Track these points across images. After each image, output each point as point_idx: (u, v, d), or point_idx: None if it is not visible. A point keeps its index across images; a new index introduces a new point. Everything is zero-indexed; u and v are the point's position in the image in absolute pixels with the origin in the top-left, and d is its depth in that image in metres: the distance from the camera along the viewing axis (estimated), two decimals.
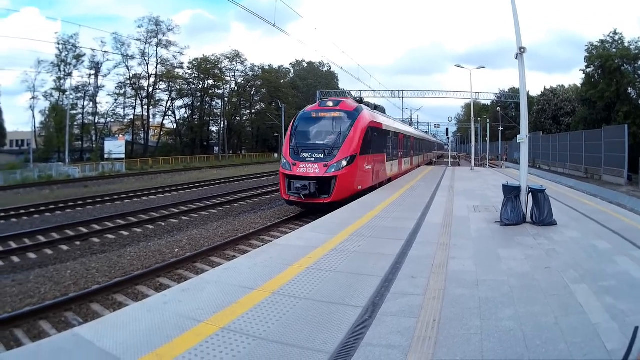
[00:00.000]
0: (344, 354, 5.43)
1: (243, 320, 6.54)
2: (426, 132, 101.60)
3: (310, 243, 11.30)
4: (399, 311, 6.73)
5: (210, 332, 6.14)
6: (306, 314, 6.68)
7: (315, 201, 20.85)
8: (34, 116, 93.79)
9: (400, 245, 10.95)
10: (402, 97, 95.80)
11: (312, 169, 21.08)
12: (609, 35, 73.11)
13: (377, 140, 26.27)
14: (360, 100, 29.10)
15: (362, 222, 14.10)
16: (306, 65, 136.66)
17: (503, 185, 14.07)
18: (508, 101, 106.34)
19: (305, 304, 7.14)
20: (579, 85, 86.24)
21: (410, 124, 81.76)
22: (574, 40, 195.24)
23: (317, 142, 22.73)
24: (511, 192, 13.56)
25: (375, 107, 37.06)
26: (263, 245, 11.84)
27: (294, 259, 9.81)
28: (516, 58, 14.46)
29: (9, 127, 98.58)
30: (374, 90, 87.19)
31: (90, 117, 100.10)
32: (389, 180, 30.42)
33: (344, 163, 21.05)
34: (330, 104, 24.23)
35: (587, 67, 75.32)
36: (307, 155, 21.78)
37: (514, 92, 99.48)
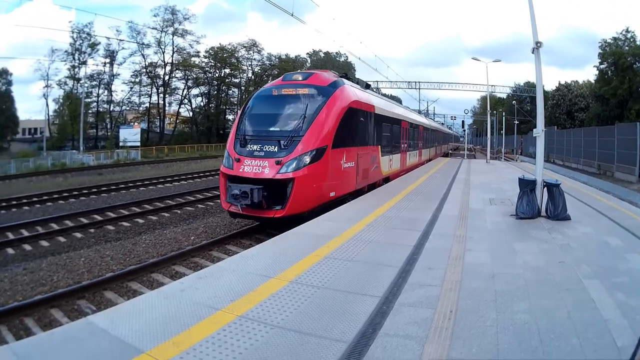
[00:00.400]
0: (362, 344, 5.44)
1: (261, 308, 6.57)
2: (442, 123, 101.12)
3: (328, 232, 11.40)
4: (416, 302, 6.77)
5: (227, 320, 6.17)
6: (324, 303, 6.74)
7: (262, 214, 15.05)
8: (47, 104, 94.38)
9: (417, 236, 11.02)
10: (419, 89, 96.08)
11: (260, 168, 15.06)
12: (621, 33, 73.31)
13: (365, 127, 20.16)
14: (345, 75, 21.21)
15: (379, 212, 14.24)
16: (323, 55, 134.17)
17: (519, 178, 14.10)
18: (523, 95, 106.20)
19: (323, 293, 7.18)
20: (593, 82, 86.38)
21: (427, 114, 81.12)
22: (587, 37, 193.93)
23: (271, 129, 16.51)
24: (527, 186, 13.56)
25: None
26: (281, 233, 11.87)
27: (312, 247, 9.88)
28: (532, 52, 14.39)
29: (22, 115, 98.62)
30: (391, 81, 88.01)
31: (105, 105, 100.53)
32: (387, 179, 25.18)
33: (307, 159, 14.94)
34: (299, 77, 18.11)
35: (600, 63, 75.52)
36: (255, 148, 15.76)
37: (529, 86, 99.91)
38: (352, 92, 18.70)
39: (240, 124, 17.22)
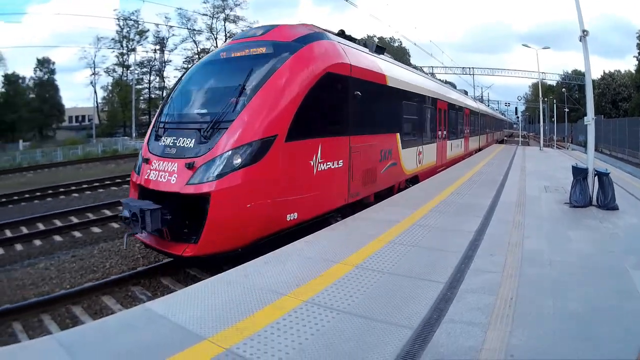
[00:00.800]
0: (427, 330, 5.46)
1: (327, 293, 6.59)
2: (497, 110, 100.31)
3: (392, 217, 11.49)
4: (479, 288, 6.83)
5: (293, 305, 6.19)
6: (390, 289, 6.77)
7: (166, 249, 10.06)
8: (95, 92, 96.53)
9: (478, 222, 11.13)
10: (473, 74, 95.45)
11: (165, 175, 9.92)
12: None
13: (368, 106, 13.93)
14: (342, 33, 14.63)
15: (440, 198, 14.29)
16: (377, 40, 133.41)
17: (572, 166, 14.04)
18: (572, 83, 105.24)
19: (388, 278, 7.20)
20: (634, 72, 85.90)
21: (481, 100, 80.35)
22: (627, 26, 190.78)
23: (196, 112, 11.34)
24: (580, 174, 13.47)
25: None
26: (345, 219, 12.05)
27: (377, 232, 9.97)
28: (580, 40, 14.38)
29: (67, 103, 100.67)
30: (446, 67, 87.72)
31: (158, 92, 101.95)
32: (414, 180, 19.02)
33: (235, 160, 9.43)
34: (258, 32, 12.35)
35: (639, 54, 75.11)
36: (169, 142, 10.53)
37: (577, 74, 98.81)
38: (335, 50, 12.48)
39: (165, 105, 12.27)
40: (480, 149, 41.11)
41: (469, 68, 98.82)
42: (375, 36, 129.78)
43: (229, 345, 5.20)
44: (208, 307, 6.21)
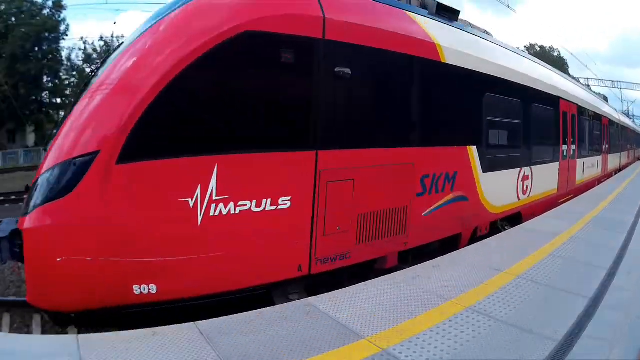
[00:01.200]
0: (567, 345, 5.61)
1: (488, 301, 6.79)
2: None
3: (553, 229, 12.06)
4: (616, 305, 7.06)
5: (455, 311, 6.38)
6: (543, 300, 7.06)
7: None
8: None
9: (622, 238, 11.61)
10: (621, 88, 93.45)
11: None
12: None
13: (377, 95, 8.92)
14: None
15: (594, 213, 14.78)
16: (538, 49, 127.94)
17: None
18: None
19: (543, 291, 7.45)
20: None
21: (629, 115, 77.53)
22: None
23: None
24: None
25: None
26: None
27: (539, 244, 10.44)
28: None
29: None
30: (599, 79, 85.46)
31: None
32: (514, 218, 13.79)
33: (46, 191, 6.22)
34: None
35: None
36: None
37: None
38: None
39: None
40: (621, 169, 35.16)
41: (617, 82, 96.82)
42: (536, 44, 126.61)
43: (386, 346, 5.34)
44: (373, 307, 6.45)
